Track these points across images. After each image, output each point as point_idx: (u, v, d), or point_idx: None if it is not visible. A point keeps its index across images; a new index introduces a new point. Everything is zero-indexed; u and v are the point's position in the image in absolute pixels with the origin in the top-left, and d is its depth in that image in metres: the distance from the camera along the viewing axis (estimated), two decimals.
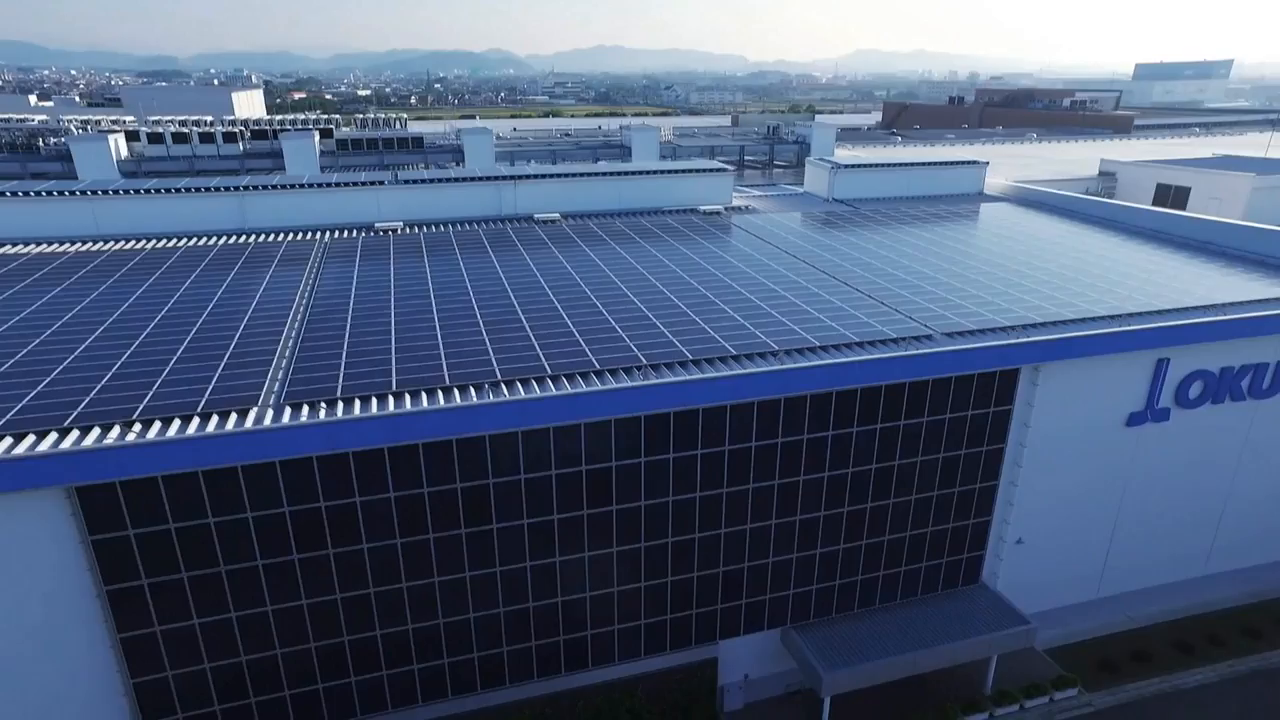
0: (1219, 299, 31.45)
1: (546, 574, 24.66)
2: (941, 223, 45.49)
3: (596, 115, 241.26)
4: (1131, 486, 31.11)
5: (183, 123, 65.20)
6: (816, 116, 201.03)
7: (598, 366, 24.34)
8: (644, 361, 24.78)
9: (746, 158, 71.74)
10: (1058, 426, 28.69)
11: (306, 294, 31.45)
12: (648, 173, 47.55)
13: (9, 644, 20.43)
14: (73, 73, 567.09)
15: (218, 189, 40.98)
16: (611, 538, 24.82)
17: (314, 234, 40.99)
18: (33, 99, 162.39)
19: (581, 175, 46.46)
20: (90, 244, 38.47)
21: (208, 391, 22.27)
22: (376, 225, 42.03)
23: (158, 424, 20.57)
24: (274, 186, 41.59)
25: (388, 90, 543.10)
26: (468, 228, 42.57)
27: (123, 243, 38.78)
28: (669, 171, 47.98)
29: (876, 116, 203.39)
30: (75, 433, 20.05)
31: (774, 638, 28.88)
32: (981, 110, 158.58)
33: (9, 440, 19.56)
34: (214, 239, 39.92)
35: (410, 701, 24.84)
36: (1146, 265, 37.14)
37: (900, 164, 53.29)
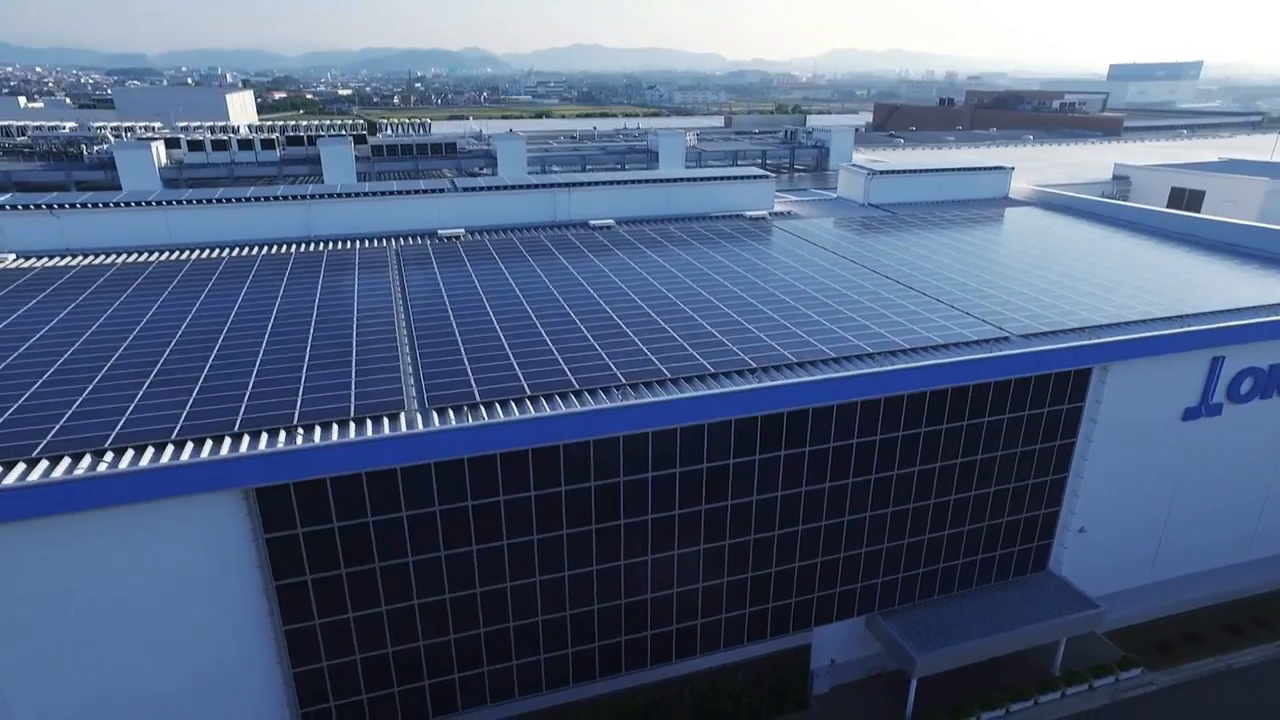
0: (1267, 299, 33.51)
1: (665, 566, 26.10)
2: (979, 226, 47.39)
3: (588, 116, 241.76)
4: (1184, 477, 33.07)
5: (221, 129, 65.80)
6: (808, 119, 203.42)
7: (711, 370, 25.81)
8: (754, 365, 26.28)
9: (766, 161, 73.39)
10: (1120, 421, 30.54)
11: (399, 299, 32.60)
12: (695, 180, 49.04)
13: (187, 637, 21.58)
14: (38, 69, 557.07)
15: (285, 198, 41.90)
16: (725, 531, 26.31)
17: (379, 241, 42.01)
18: (22, 100, 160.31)
19: (632, 182, 47.83)
20: (168, 253, 39.28)
21: (353, 396, 23.47)
22: (440, 232, 43.12)
23: (318, 428, 21.75)
24: (339, 195, 42.59)
25: (368, 89, 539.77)
26: (529, 233, 43.84)
27: (199, 251, 39.59)
28: (715, 178, 49.50)
29: (866, 117, 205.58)
30: (246, 437, 21.20)
31: (858, 624, 30.49)
32: (973, 112, 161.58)
33: (189, 444, 20.67)
34: (284, 247, 40.86)
35: (535, 690, 26.19)
36: (1186, 267, 39.21)
37: (931, 169, 55.19)
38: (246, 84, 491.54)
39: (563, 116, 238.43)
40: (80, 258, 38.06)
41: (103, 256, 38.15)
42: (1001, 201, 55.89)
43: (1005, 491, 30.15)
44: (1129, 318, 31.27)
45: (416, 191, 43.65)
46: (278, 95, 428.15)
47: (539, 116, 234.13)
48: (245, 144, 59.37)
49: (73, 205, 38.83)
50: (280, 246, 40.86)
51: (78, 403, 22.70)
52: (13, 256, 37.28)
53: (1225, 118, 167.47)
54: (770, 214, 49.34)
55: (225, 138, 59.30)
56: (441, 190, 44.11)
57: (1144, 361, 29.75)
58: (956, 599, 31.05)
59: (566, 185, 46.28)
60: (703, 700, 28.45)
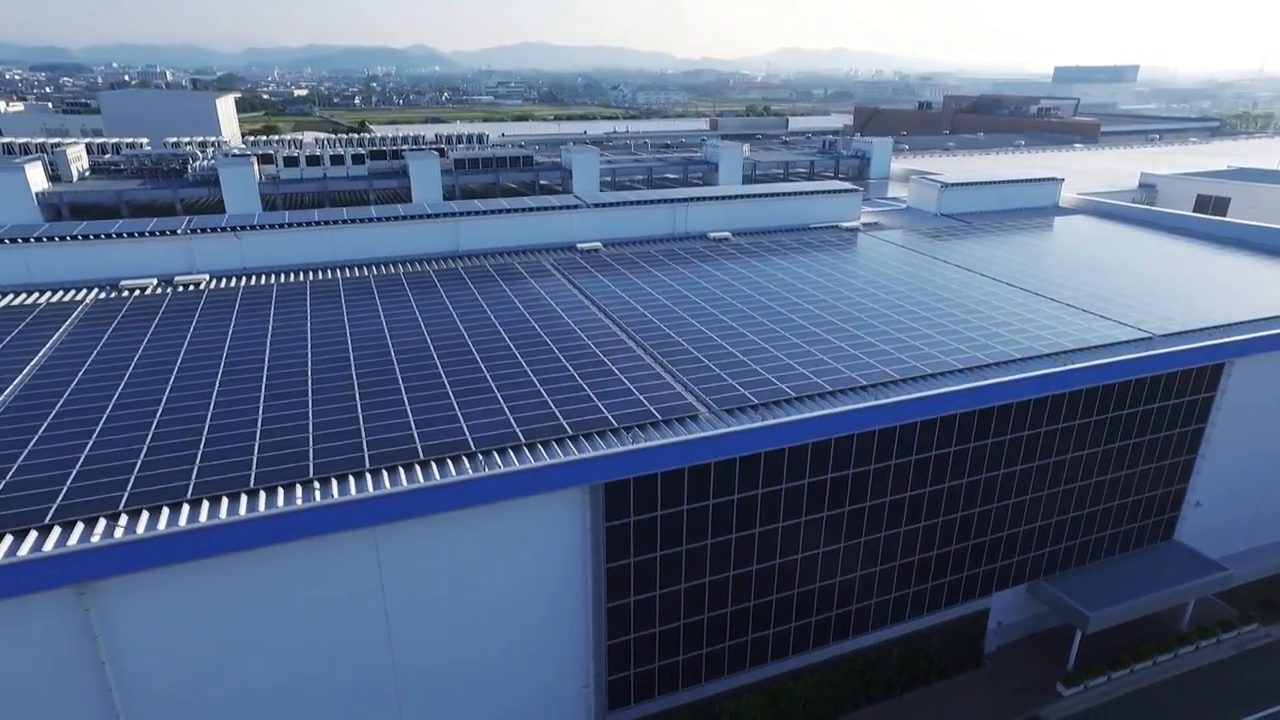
0: None
1: (890, 544, 29.97)
2: (1052, 234, 52.31)
3: (569, 118, 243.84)
4: None
5: (315, 143, 67.44)
6: (789, 121, 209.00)
7: (927, 371, 29.75)
8: (958, 366, 30.30)
9: (815, 172, 77.63)
10: (1239, 408, 35.36)
11: (592, 306, 35.74)
12: (794, 194, 52.96)
13: (531, 613, 24.77)
14: None
15: (435, 215, 44.53)
16: (921, 514, 30.21)
17: (523, 254, 44.96)
18: (1, 105, 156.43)
19: (741, 197, 51.52)
20: (334, 270, 41.69)
21: (649, 401, 26.77)
22: (578, 245, 46.25)
23: (635, 430, 25.07)
24: (484, 212, 45.39)
25: (323, 89, 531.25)
26: (657, 245, 47.25)
27: (369, 268, 42.08)
28: (811, 192, 53.48)
29: (842, 120, 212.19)
30: (584, 440, 24.41)
31: (1020, 591, 34.75)
32: (953, 116, 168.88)
33: (538, 445, 23.83)
34: (434, 262, 43.58)
35: (782, 655, 29.81)
36: (1258, 269, 44.45)
37: (995, 181, 60.08)
38: (197, 84, 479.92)
39: (543, 119, 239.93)
40: (261, 277, 40.27)
41: (284, 277, 40.34)
42: (1053, 210, 61.04)
43: (1147, 472, 34.75)
44: (1247, 317, 36.12)
45: (555, 208, 46.63)
46: (234, 96, 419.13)
47: (521, 119, 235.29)
48: (336, 159, 61.30)
49: (250, 227, 40.94)
50: (434, 261, 43.55)
51: (438, 410, 25.57)
52: (206, 277, 39.28)
53: (1186, 123, 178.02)
54: (862, 225, 53.48)
55: (318, 153, 61.15)
56: (576, 206, 47.18)
57: (1261, 355, 34.57)
58: (1102, 566, 35.54)
59: (685, 200, 49.75)
60: (905, 660, 32.41)
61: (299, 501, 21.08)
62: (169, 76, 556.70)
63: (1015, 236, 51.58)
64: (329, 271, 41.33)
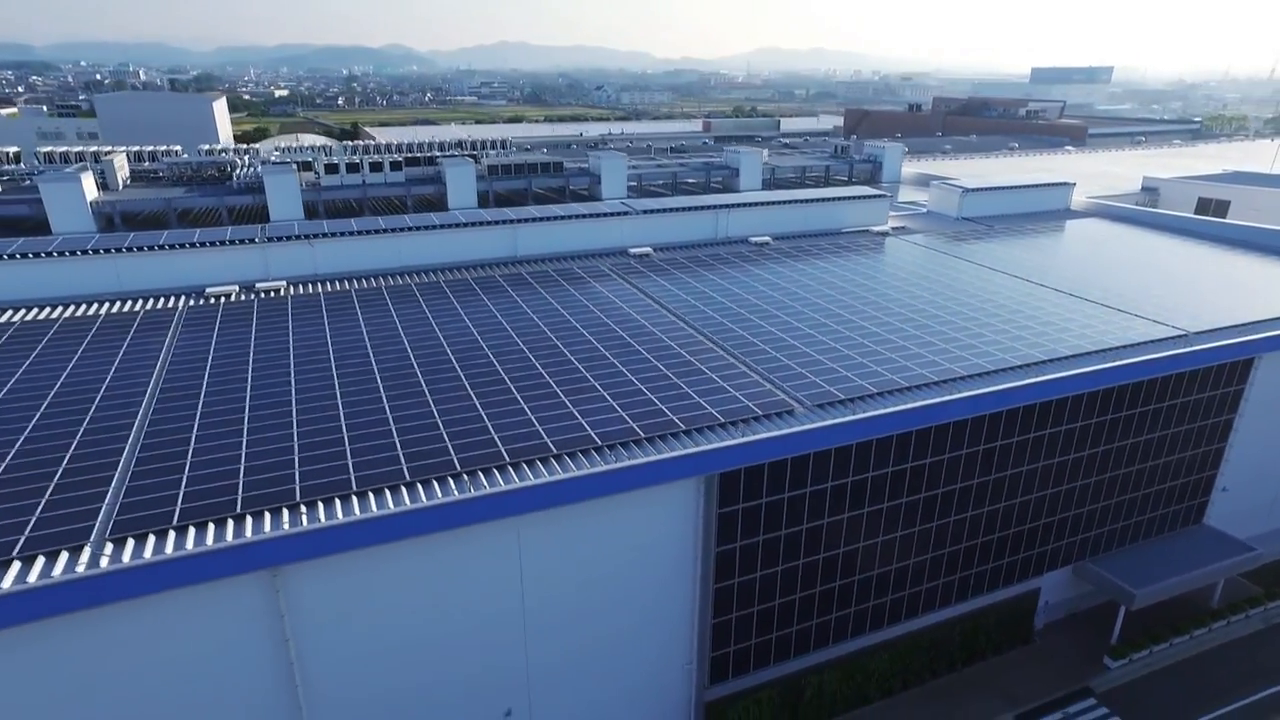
0: None
1: (956, 528, 32.40)
2: (1071, 237, 55.12)
3: (564, 120, 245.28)
4: None
5: (353, 150, 68.84)
6: (780, 123, 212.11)
7: (989, 368, 32.20)
8: (1016, 363, 32.79)
9: (830, 177, 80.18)
10: (1264, 399, 38.18)
11: (661, 308, 37.83)
12: (828, 200, 55.34)
13: (646, 596, 26.92)
14: None
15: (495, 222, 46.43)
16: (985, 500, 32.70)
17: (578, 259, 46.98)
18: None
19: (776, 203, 53.82)
20: (403, 275, 43.50)
21: (746, 398, 28.97)
22: (629, 250, 48.36)
23: (742, 424, 27.28)
24: (541, 219, 47.35)
25: (304, 89, 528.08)
26: (703, 249, 49.50)
27: (436, 273, 43.93)
28: (843, 198, 55.90)
29: (834, 121, 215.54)
30: (696, 434, 26.58)
31: (1065, 572, 37.34)
32: (944, 118, 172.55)
33: (657, 444, 25.97)
34: (495, 267, 45.52)
35: (859, 632, 32.14)
36: (1271, 269, 47.45)
37: (1010, 186, 62.91)
38: (175, 84, 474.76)
39: (534, 121, 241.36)
40: (335, 282, 42.01)
41: (359, 282, 42.10)
42: (1065, 213, 63.96)
43: (1182, 460, 37.48)
44: (1272, 314, 38.96)
45: (607, 214, 48.68)
46: (188, 94, 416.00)
47: (513, 121, 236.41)
48: (375, 166, 62.85)
49: (322, 235, 42.63)
50: (495, 266, 45.50)
51: (552, 407, 27.59)
52: (284, 283, 40.94)
53: (1168, 125, 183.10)
54: (891, 229, 56.02)
55: (357, 159, 62.68)
56: (626, 213, 49.26)
57: None
58: (1140, 548, 38.21)
59: (727, 206, 51.98)
60: (966, 634, 34.89)
61: (455, 493, 23.01)
62: (142, 76, 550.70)
63: (1036, 239, 54.34)
64: (398, 277, 43.11)
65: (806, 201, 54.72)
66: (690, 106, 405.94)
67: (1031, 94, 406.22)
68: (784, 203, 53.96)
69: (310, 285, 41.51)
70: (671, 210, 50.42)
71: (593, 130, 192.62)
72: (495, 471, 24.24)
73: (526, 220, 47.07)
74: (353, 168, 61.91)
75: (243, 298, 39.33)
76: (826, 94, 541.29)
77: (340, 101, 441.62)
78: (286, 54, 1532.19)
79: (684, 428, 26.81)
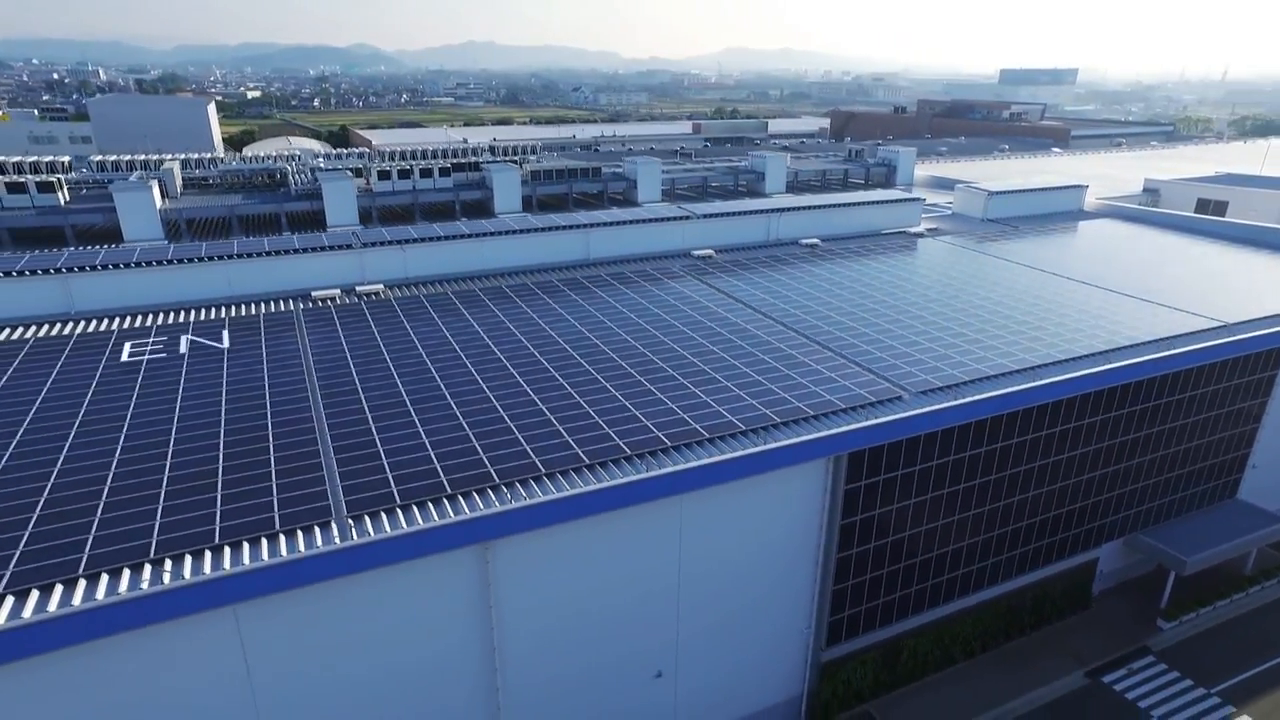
0: None
1: (1034, 503, 35.76)
2: (1091, 236, 59.04)
3: (549, 122, 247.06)
4: None
5: (407, 155, 70.79)
6: (770, 124, 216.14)
7: (1060, 357, 35.60)
8: (1082, 352, 36.23)
9: (849, 180, 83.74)
10: None
11: (744, 306, 40.75)
12: (868, 203, 58.69)
13: (778, 566, 29.92)
14: None
15: (570, 227, 49.04)
16: (1058, 477, 36.12)
17: (648, 261, 49.76)
18: None
19: (821, 207, 57.02)
20: (487, 278, 45.96)
21: (855, 386, 32.03)
22: (693, 252, 51.24)
23: (862, 410, 30.34)
24: (611, 223, 50.05)
25: (274, 89, 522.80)
26: (760, 250, 52.55)
27: (515, 275, 46.44)
28: (882, 201, 59.29)
29: (820, 123, 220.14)
30: (822, 419, 29.58)
31: (1117, 544, 40.93)
32: (930, 120, 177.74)
33: (788, 432, 28.94)
34: (570, 269, 48.16)
35: (949, 599, 35.34)
36: None
37: (1030, 189, 66.81)
38: (143, 85, 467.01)
39: (522, 123, 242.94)
40: (428, 285, 44.37)
41: (458, 284, 44.50)
42: (1079, 214, 68.01)
43: (1220, 440, 41.28)
44: None
45: (671, 218, 51.51)
46: (181, 94, 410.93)
47: (502, 123, 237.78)
48: (425, 172, 64.98)
49: (412, 240, 44.93)
50: (571, 268, 48.13)
51: (708, 398, 30.38)
52: (381, 286, 43.21)
53: (1144, 127, 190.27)
54: (926, 230, 59.52)
55: (408, 165, 64.78)
56: (688, 217, 52.14)
57: None
58: (1182, 521, 41.92)
59: (779, 210, 55.07)
60: (1035, 602, 38.30)
61: (633, 474, 25.73)
62: (103, 75, 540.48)
63: (1060, 239, 58.17)
64: (484, 279, 45.55)
65: (848, 205, 57.99)
66: (669, 107, 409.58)
67: (1002, 95, 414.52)
68: (828, 206, 57.16)
69: (405, 288, 43.78)
70: (729, 214, 53.35)
71: (585, 133, 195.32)
72: (660, 455, 26.95)
73: (598, 225, 49.71)
74: (404, 174, 63.95)
75: (347, 300, 41.51)
76: (800, 94, 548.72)
77: (316, 103, 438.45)
78: (250, 53, 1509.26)
79: (811, 413, 29.77)
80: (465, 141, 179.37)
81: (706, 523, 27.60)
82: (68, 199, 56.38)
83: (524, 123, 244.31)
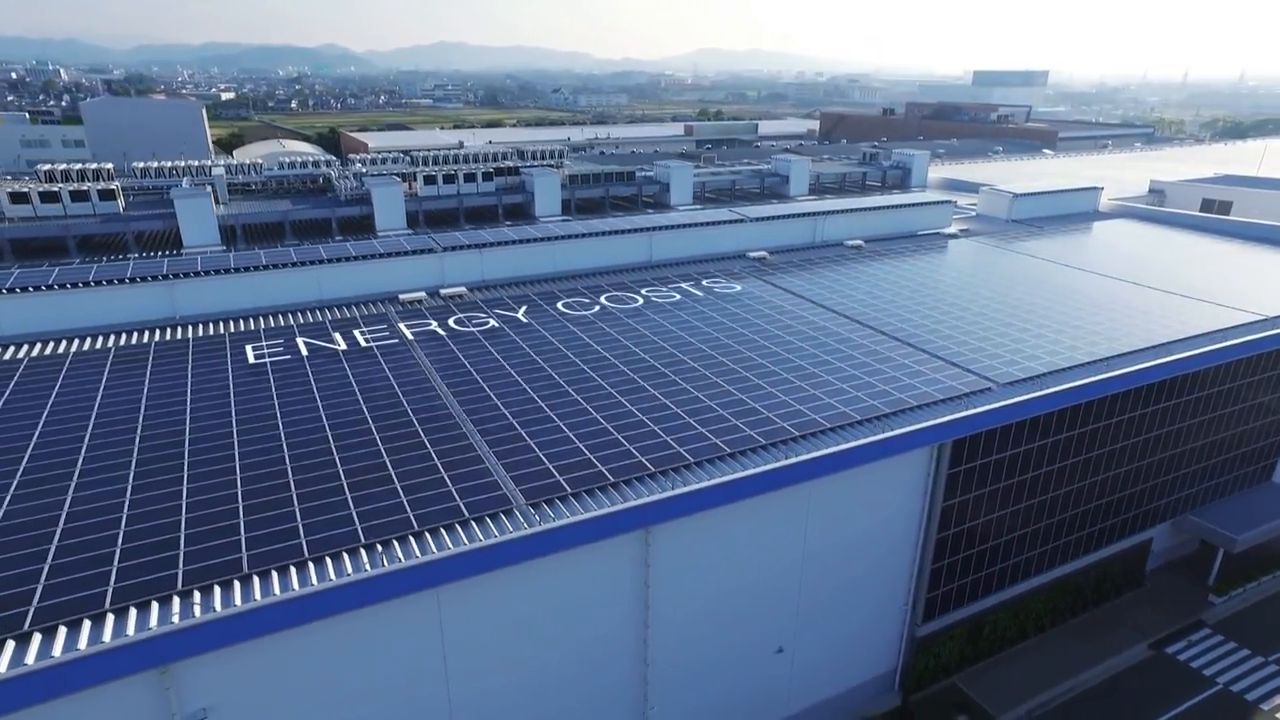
0: None
1: (1103, 485, 38.31)
2: (1113, 235, 62.09)
3: (538, 124, 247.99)
4: None
5: (450, 160, 71.97)
6: (759, 125, 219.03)
7: (1126, 349, 38.16)
8: (1146, 344, 38.85)
9: (867, 183, 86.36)
10: None
11: (813, 304, 42.89)
12: (904, 205, 61.24)
13: (883, 545, 32.14)
14: None
15: (634, 230, 50.88)
16: (1125, 460, 38.72)
17: (708, 262, 51.77)
18: None
19: (861, 210, 59.42)
20: (560, 280, 47.67)
21: (946, 378, 34.26)
22: (748, 253, 53.34)
23: (956, 401, 32.57)
24: (671, 227, 51.97)
25: (246, 90, 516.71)
26: (809, 251, 54.80)
27: (586, 277, 48.20)
28: (917, 204, 61.86)
29: (809, 125, 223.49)
30: (923, 409, 31.80)
31: (1165, 526, 43.66)
32: (919, 122, 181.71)
33: (892, 425, 31.12)
34: (636, 270, 50.04)
35: (1026, 577, 37.74)
36: None
37: (1051, 191, 69.85)
38: (111, 87, 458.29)
39: (512, 124, 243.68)
40: (505, 288, 46.01)
41: (527, 285, 46.21)
42: (1095, 214, 71.15)
43: (1260, 426, 44.19)
44: None
45: (726, 222, 53.57)
46: (156, 98, 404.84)
47: (491, 126, 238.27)
48: (469, 177, 66.38)
49: (489, 245, 46.52)
50: (636, 270, 49.98)
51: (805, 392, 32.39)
52: (463, 289, 44.73)
53: (1126, 130, 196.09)
54: (958, 231, 62.16)
55: (454, 170, 66.14)
56: (741, 220, 54.22)
57: None
58: (1224, 503, 44.76)
59: (823, 213, 57.36)
60: (1098, 580, 40.89)
61: (775, 462, 27.69)
62: (64, 75, 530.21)
63: (1086, 239, 61.12)
64: (556, 280, 47.25)
65: (887, 208, 60.46)
66: (651, 108, 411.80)
67: (977, 96, 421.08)
68: (867, 209, 59.60)
69: (483, 290, 45.33)
70: (778, 218, 55.51)
71: (578, 136, 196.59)
72: (788, 444, 28.93)
73: (659, 228, 51.62)
74: (449, 179, 65.30)
75: (434, 302, 42.98)
76: (777, 95, 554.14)
77: (294, 104, 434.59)
78: (215, 53, 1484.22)
79: (914, 404, 31.94)
80: (461, 144, 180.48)
81: (829, 506, 29.66)
82: (125, 206, 57.02)
83: (513, 125, 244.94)
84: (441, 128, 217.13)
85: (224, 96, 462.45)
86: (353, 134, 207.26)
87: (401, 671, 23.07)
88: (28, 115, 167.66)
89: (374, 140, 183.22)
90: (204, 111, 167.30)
